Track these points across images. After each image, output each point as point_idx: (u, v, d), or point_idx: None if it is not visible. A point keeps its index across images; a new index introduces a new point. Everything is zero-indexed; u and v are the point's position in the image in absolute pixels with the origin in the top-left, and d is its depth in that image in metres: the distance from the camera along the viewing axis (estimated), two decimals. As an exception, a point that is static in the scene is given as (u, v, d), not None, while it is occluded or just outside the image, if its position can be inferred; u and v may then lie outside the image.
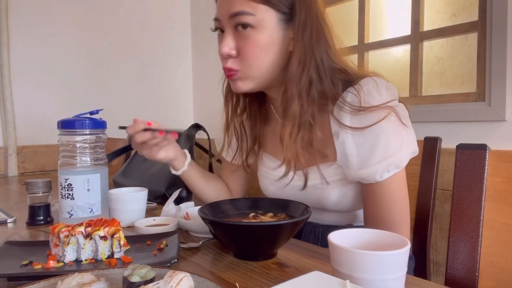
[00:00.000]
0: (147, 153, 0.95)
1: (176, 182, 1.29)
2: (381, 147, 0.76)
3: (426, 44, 1.58)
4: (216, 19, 0.85)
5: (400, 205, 0.79)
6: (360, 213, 0.90)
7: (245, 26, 0.79)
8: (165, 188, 1.27)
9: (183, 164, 1.02)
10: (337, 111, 0.80)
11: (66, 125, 0.92)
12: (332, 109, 0.82)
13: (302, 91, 0.80)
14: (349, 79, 0.82)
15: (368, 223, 0.81)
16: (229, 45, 0.82)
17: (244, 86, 0.85)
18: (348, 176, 0.81)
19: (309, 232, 0.95)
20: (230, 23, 0.81)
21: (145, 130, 0.89)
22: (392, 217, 0.78)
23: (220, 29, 0.85)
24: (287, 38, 0.82)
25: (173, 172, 1.03)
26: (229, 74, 0.84)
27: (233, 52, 0.82)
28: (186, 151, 1.05)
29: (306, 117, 0.81)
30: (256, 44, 0.80)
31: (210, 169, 1.76)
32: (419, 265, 0.97)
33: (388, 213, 0.78)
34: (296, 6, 0.79)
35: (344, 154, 0.80)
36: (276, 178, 0.93)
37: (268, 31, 0.80)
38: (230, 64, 0.83)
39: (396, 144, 0.76)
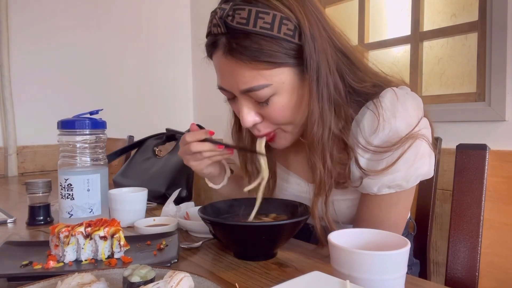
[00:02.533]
0: (196, 165, 0.84)
1: (176, 182, 1.29)
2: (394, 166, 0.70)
3: (426, 44, 1.58)
4: (222, 89, 0.75)
5: (394, 220, 0.76)
6: None
7: (265, 99, 0.70)
8: (165, 188, 1.27)
9: (223, 179, 0.93)
10: (359, 152, 0.72)
11: (66, 125, 0.92)
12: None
13: (325, 153, 0.72)
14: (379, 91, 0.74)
15: (358, 225, 0.79)
16: (251, 116, 0.73)
17: (288, 141, 0.78)
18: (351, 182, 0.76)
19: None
20: (244, 96, 0.71)
21: (204, 140, 0.80)
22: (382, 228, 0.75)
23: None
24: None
25: (210, 185, 0.93)
26: (268, 138, 0.77)
27: (258, 119, 0.74)
28: (225, 163, 0.94)
29: (332, 179, 0.73)
30: (283, 109, 0.71)
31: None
32: (419, 265, 0.97)
33: (379, 225, 0.75)
34: (306, 54, 0.68)
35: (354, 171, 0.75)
36: (293, 192, 0.88)
37: (291, 90, 0.71)
38: (263, 129, 0.75)
39: (408, 163, 0.70)
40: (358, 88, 0.74)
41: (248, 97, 0.72)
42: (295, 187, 0.88)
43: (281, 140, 0.78)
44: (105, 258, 0.69)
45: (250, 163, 0.86)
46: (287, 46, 0.67)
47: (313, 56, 0.68)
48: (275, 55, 0.66)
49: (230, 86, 0.72)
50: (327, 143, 0.71)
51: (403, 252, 0.51)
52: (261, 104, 0.71)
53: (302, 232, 0.94)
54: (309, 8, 0.69)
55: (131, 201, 0.97)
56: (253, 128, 0.76)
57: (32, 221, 0.98)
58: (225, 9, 0.67)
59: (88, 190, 0.91)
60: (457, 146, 0.83)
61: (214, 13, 0.69)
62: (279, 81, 0.69)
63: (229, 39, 0.67)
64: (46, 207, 1.00)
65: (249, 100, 0.72)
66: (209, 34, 0.72)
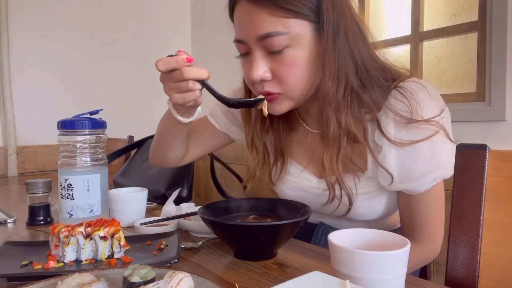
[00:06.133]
0: (179, 98, 0.73)
1: (176, 182, 1.29)
2: (429, 160, 0.71)
3: (426, 44, 1.57)
4: (239, 41, 0.74)
5: (437, 213, 0.78)
6: (384, 221, 0.88)
7: (280, 49, 0.70)
8: (165, 188, 1.27)
9: (194, 113, 0.84)
10: (383, 120, 0.73)
11: (66, 125, 0.92)
12: (370, 118, 0.75)
13: (340, 111, 0.72)
14: (391, 78, 0.75)
15: (405, 231, 0.81)
16: (262, 68, 0.72)
17: (284, 108, 0.77)
18: (384, 186, 0.77)
19: (321, 233, 0.89)
20: (259, 45, 0.71)
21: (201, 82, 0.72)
22: (429, 227, 0.77)
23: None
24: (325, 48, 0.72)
25: (179, 118, 0.83)
26: (269, 98, 0.75)
27: (268, 75, 0.73)
28: None
29: (345, 139, 0.74)
30: (295, 64, 0.71)
31: (212, 168, 1.76)
32: (419, 265, 0.97)
33: (427, 222, 0.77)
34: (323, 8, 0.69)
35: (377, 165, 0.75)
36: (300, 186, 0.87)
37: (306, 46, 0.71)
38: (268, 88, 0.74)
39: (442, 156, 0.72)
40: (370, 66, 0.75)
41: (263, 48, 0.72)
42: (304, 182, 0.88)
43: (281, 106, 0.76)
44: (105, 258, 0.69)
45: (258, 138, 0.87)
46: None
47: (331, 13, 0.70)
48: (295, 4, 0.68)
49: (248, 34, 0.72)
50: (342, 100, 0.72)
51: (403, 252, 0.51)
52: (274, 55, 0.71)
53: (302, 232, 0.94)
54: None
55: (131, 201, 0.97)
56: (259, 85, 0.75)
57: (32, 221, 0.98)
58: None
59: (88, 190, 0.91)
60: (457, 146, 0.83)
61: None
62: (296, 32, 0.70)
63: None
64: (46, 207, 1.00)
65: (263, 52, 0.72)
66: None
